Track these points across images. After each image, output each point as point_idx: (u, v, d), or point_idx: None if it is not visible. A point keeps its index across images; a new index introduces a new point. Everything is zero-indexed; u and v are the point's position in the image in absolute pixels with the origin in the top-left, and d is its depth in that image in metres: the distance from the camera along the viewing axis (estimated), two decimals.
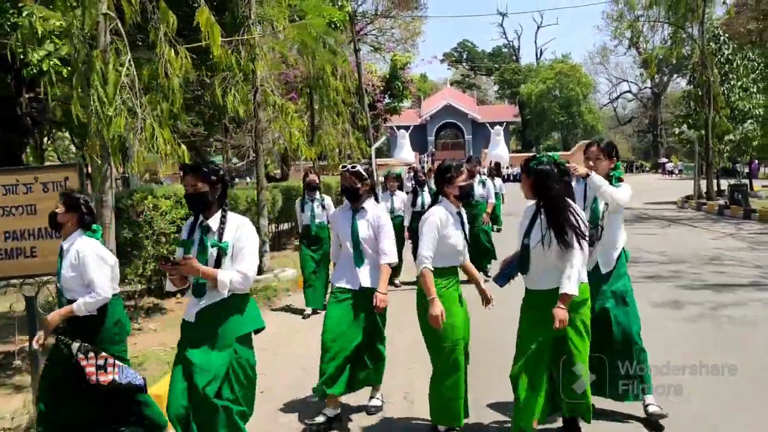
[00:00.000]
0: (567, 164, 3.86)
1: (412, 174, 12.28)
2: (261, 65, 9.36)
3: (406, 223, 9.18)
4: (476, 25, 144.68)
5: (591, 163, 4.38)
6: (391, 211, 8.98)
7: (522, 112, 65.69)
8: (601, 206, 4.34)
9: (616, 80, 74.26)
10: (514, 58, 74.67)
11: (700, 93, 24.26)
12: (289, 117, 9.59)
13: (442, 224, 3.96)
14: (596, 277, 4.22)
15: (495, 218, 13.48)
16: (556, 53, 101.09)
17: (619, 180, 4.34)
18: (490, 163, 17.89)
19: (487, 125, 58.65)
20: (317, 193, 7.71)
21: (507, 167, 52.22)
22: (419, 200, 9.23)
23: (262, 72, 9.41)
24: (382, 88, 23.08)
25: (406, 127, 58.21)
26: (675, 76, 66.91)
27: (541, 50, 79.03)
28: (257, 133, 9.87)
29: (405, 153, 54.53)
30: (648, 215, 19.89)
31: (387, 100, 24.12)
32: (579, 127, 66.61)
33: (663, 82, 69.18)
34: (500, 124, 58.83)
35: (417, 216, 8.07)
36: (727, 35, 25.69)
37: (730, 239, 13.67)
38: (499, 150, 56.40)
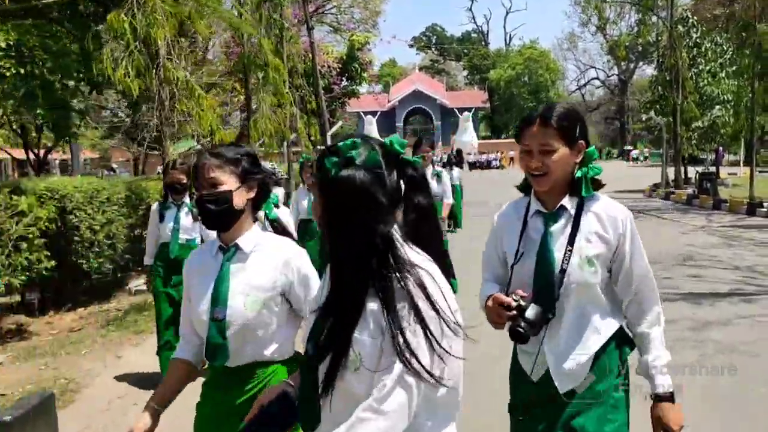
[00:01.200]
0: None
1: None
2: (161, 33, 7.67)
3: None
4: (445, 9, 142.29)
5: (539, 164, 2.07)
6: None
7: (491, 98, 64.46)
8: (559, 255, 2.07)
9: (584, 67, 73.49)
10: (483, 43, 73.24)
11: (668, 77, 23.07)
12: (196, 96, 7.95)
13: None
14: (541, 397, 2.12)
15: (454, 219, 12.05)
16: (524, 39, 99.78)
17: (595, 182, 2.11)
18: (451, 150, 16.27)
19: (456, 111, 57.31)
20: (185, 196, 5.04)
21: (473, 154, 51.09)
22: None
23: (162, 41, 7.72)
24: (338, 70, 21.30)
25: (374, 113, 56.53)
26: (641, 63, 66.33)
27: (510, 35, 78.31)
28: (161, 115, 8.22)
29: None
30: None
31: (344, 83, 22.36)
32: None
33: (630, 69, 68.54)
34: (469, 110, 57.61)
35: None
36: (695, 18, 24.52)
37: (702, 234, 12.42)
38: (467, 136, 55.31)
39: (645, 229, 13.07)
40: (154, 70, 8.05)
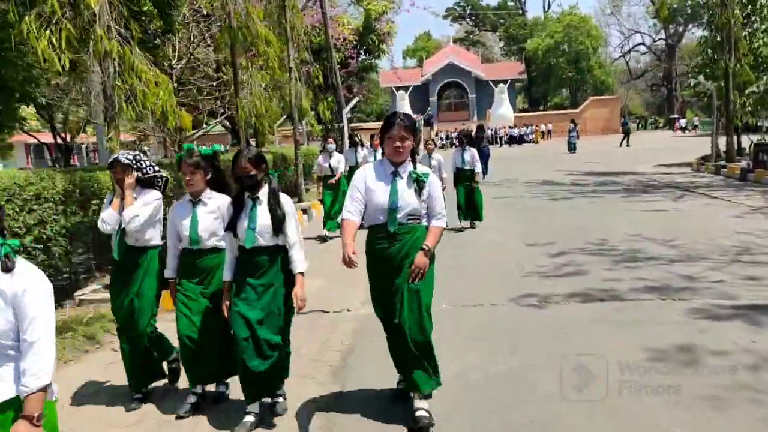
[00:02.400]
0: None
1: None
2: None
3: None
4: None
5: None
6: None
7: (528, 68, 61.57)
8: None
9: (629, 32, 69.56)
10: (520, 11, 69.85)
11: (719, 38, 20.63)
12: (135, 70, 6.58)
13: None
14: None
15: (475, 211, 10.50)
16: (563, 5, 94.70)
17: None
18: (462, 130, 14.35)
19: (492, 84, 54.82)
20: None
21: (508, 127, 48.67)
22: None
23: (95, 5, 6.37)
24: (354, 42, 19.65)
25: (406, 88, 54.58)
26: (690, 26, 62.25)
27: (549, 2, 74.15)
28: (106, 91, 6.92)
29: None
30: (657, 182, 16.67)
31: (362, 57, 20.70)
32: (588, 83, 62.44)
33: (678, 33, 64.51)
34: (505, 82, 55.04)
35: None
36: None
37: (761, 217, 10.52)
38: (503, 109, 52.85)
39: (691, 212, 11.30)
40: (91, 42, 6.74)
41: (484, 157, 20.20)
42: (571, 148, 30.44)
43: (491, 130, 44.80)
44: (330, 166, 10.36)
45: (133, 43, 6.82)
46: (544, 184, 17.46)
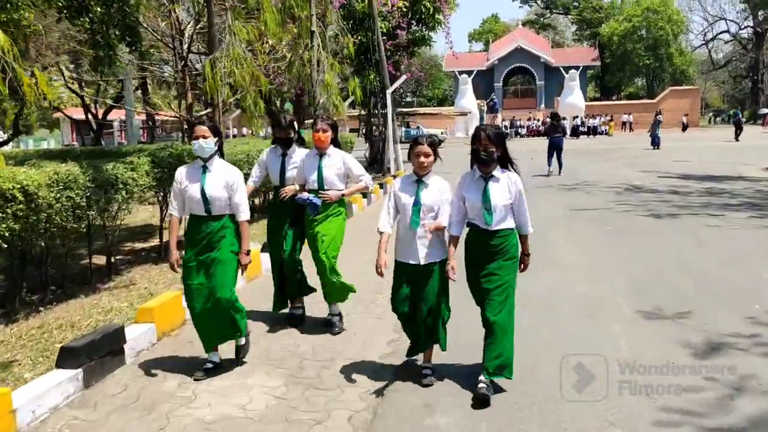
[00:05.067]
0: None
1: None
2: None
3: None
4: None
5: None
6: None
7: (602, 55, 56.07)
8: None
9: (713, 18, 62.70)
10: None
11: None
12: None
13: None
14: None
15: None
16: None
17: None
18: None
19: (562, 70, 49.92)
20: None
21: (579, 117, 43.93)
22: None
23: None
24: (404, 10, 16.09)
25: (469, 72, 50.43)
26: None
27: None
28: None
29: (466, 101, 47.08)
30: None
31: (413, 28, 17.08)
32: (667, 72, 56.49)
33: None
34: (576, 68, 49.99)
35: None
36: None
37: None
38: (573, 98, 47.83)
39: None
40: None
41: (557, 150, 16.50)
42: (655, 142, 25.97)
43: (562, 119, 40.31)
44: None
45: None
46: (634, 190, 13.60)
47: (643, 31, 54.64)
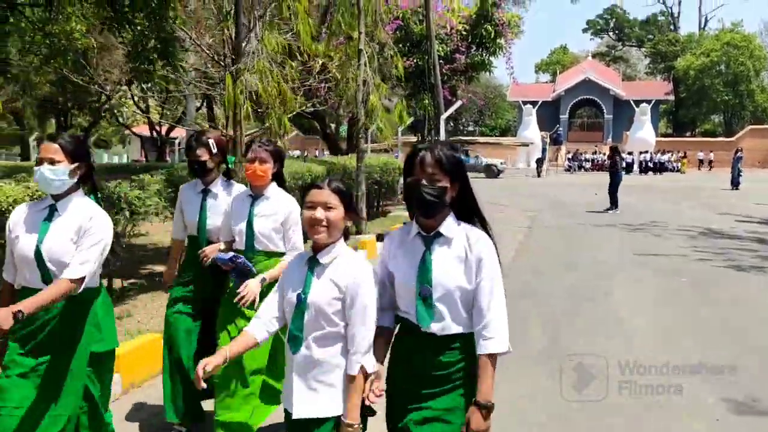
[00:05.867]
0: None
1: None
2: None
3: None
4: None
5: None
6: None
7: (677, 89, 53.38)
8: None
9: None
10: (671, 27, 61.39)
11: None
12: None
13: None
14: None
15: None
16: (724, 22, 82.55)
17: None
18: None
19: (632, 103, 47.76)
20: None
21: (646, 152, 41.56)
22: None
23: None
24: (464, 33, 15.23)
25: (534, 103, 49.00)
26: None
27: (706, 18, 65.07)
28: None
29: (530, 132, 45.55)
30: None
31: (473, 51, 16.19)
32: (747, 109, 53.15)
33: None
34: (648, 102, 47.72)
35: None
36: None
37: None
38: (643, 132, 45.57)
39: None
40: None
41: (615, 185, 15.30)
42: (735, 183, 23.89)
43: (628, 154, 38.17)
44: None
45: None
46: (711, 235, 12.08)
47: (722, 66, 51.73)
